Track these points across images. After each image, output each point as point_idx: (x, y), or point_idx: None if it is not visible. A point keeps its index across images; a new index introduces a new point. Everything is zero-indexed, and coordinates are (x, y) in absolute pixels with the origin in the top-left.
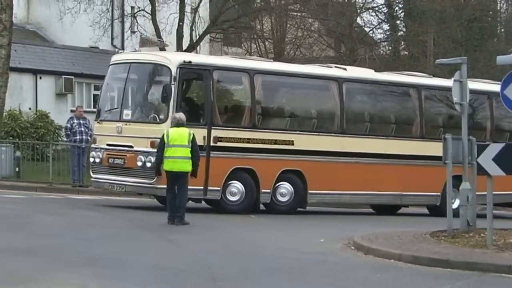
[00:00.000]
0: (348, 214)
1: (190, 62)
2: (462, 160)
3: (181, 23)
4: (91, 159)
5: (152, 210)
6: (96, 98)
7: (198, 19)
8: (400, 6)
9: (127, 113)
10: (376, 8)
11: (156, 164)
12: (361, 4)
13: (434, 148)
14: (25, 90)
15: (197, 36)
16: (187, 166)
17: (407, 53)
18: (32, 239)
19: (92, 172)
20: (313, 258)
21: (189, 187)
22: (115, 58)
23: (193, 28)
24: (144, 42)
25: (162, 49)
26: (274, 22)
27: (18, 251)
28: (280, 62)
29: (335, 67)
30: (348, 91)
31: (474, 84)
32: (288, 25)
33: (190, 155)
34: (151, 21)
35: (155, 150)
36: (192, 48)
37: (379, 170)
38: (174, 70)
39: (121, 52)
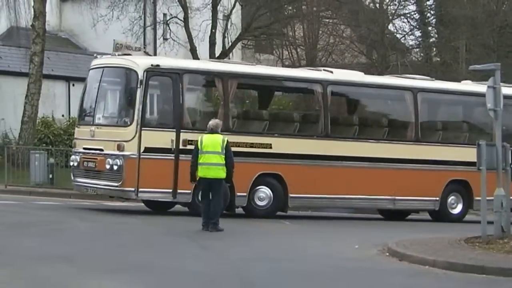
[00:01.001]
0: (363, 220)
1: (158, 65)
2: (496, 166)
3: (213, 30)
4: (71, 163)
5: (186, 216)
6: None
7: (231, 26)
8: (432, 12)
9: (99, 117)
10: (408, 15)
11: (191, 170)
12: (393, 11)
13: (431, 152)
14: (58, 97)
15: (230, 43)
16: (221, 173)
17: (439, 59)
18: (67, 246)
19: (72, 176)
20: (348, 265)
21: (157, 189)
22: (93, 63)
23: (226, 35)
24: (118, 48)
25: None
26: (306, 28)
27: (54, 258)
28: (260, 66)
29: (323, 70)
30: (333, 94)
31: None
32: (320, 32)
33: (224, 162)
34: (183, 28)
35: (121, 153)
36: (224, 55)
37: (368, 174)
38: (140, 74)
39: (99, 57)
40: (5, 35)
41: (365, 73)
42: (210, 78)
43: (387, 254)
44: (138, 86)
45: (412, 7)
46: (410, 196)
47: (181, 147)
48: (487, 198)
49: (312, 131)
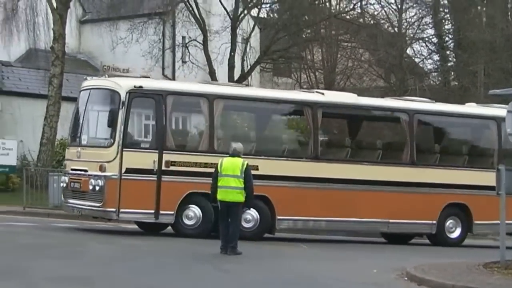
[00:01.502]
0: (377, 244)
1: (141, 87)
2: None
3: (232, 53)
4: (61, 184)
5: (204, 239)
6: (147, 128)
7: (249, 49)
8: (450, 36)
9: (84, 138)
10: (426, 39)
11: (211, 192)
12: (411, 35)
13: (427, 175)
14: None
15: (248, 66)
16: (240, 197)
17: (457, 83)
18: (84, 268)
19: (63, 196)
20: None
21: (139, 210)
22: (82, 84)
23: (244, 58)
24: (105, 69)
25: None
26: (325, 52)
27: (71, 280)
28: (248, 87)
29: (316, 92)
30: (324, 116)
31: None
32: (339, 55)
33: (243, 186)
34: (202, 51)
35: (103, 173)
36: (243, 78)
37: (359, 196)
38: (123, 95)
39: (89, 79)
40: (24, 57)
41: (383, 97)
42: (194, 100)
43: (406, 278)
44: (120, 107)
45: (431, 31)
46: (404, 219)
47: (163, 168)
48: (489, 222)
49: (301, 153)
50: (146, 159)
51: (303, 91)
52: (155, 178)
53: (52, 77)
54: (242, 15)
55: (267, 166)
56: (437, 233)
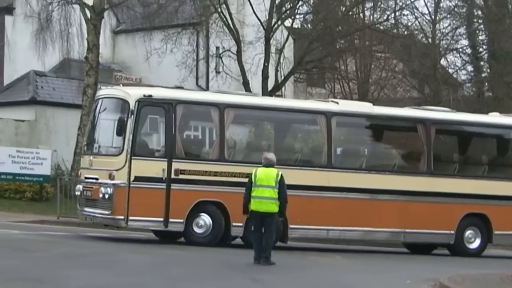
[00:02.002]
0: (410, 254)
1: (150, 96)
2: None
3: (266, 64)
4: (76, 192)
5: (237, 249)
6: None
7: (283, 59)
8: (484, 47)
9: (96, 147)
10: (460, 50)
11: (244, 203)
12: (445, 46)
13: (445, 185)
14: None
15: (282, 77)
16: (274, 207)
17: (491, 94)
18: (117, 278)
19: (78, 205)
20: None
21: (148, 218)
22: (97, 93)
23: (278, 68)
24: (118, 79)
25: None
26: (359, 62)
27: None
28: (260, 96)
29: (331, 101)
30: (338, 125)
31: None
32: (373, 66)
33: (277, 196)
34: (236, 62)
35: (112, 181)
36: (277, 88)
37: (374, 205)
38: (132, 104)
39: (104, 88)
40: (58, 67)
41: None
42: (205, 109)
43: None
44: (129, 116)
45: (465, 42)
46: (420, 229)
47: (173, 176)
48: (510, 232)
49: (314, 162)
50: (155, 168)
51: (318, 100)
52: (164, 186)
53: (86, 87)
54: (276, 25)
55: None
56: (456, 243)
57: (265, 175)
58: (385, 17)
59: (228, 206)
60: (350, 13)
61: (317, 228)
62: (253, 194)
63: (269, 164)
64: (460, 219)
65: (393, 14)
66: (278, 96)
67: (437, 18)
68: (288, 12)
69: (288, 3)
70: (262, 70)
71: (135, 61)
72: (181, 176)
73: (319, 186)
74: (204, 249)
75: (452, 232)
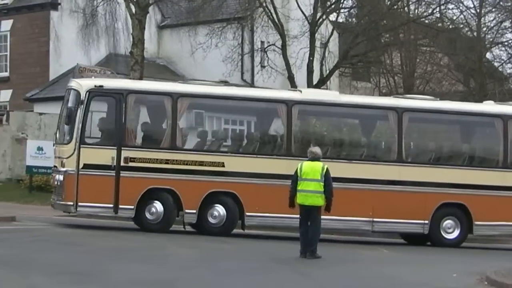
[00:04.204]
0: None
1: (101, 86)
2: None
3: (311, 58)
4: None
5: (283, 241)
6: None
7: (328, 53)
8: None
9: (57, 136)
10: (506, 43)
11: (290, 196)
12: (491, 39)
13: (417, 174)
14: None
15: (327, 71)
16: (319, 201)
17: None
18: (167, 272)
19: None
20: None
21: (98, 204)
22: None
23: (323, 62)
24: (81, 71)
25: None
26: (404, 56)
27: (154, 283)
28: (218, 86)
29: (298, 90)
30: (301, 114)
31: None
32: (418, 60)
33: (322, 190)
34: (281, 56)
35: (63, 169)
36: (322, 82)
37: (339, 194)
38: (83, 94)
39: (71, 81)
40: (103, 62)
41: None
42: (158, 98)
43: (486, 283)
44: (79, 105)
45: (510, 36)
46: (391, 219)
47: (122, 164)
48: (491, 223)
49: (273, 151)
50: (104, 155)
51: (272, 90)
52: (114, 174)
53: None
54: (321, 19)
55: (234, 163)
56: (431, 233)
57: (311, 169)
58: (430, 11)
59: (180, 193)
60: (395, 7)
61: (275, 216)
62: (298, 187)
63: (314, 158)
64: (434, 208)
65: (438, 8)
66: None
67: (482, 11)
68: (332, 6)
69: None
70: (307, 64)
71: (180, 55)
72: (131, 164)
73: (280, 174)
74: (249, 243)
75: (426, 222)
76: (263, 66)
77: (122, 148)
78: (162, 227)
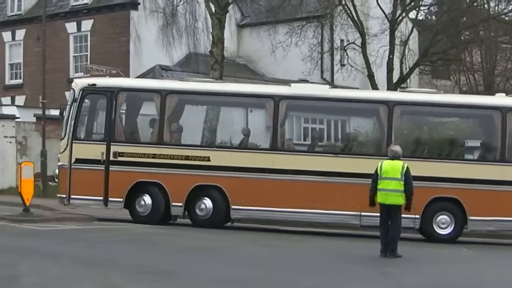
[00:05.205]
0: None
1: (94, 84)
2: None
3: (391, 56)
4: None
5: (360, 241)
6: (306, 130)
7: (408, 51)
8: None
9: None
10: None
11: (370, 195)
12: None
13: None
14: (236, 123)
15: (407, 69)
16: (400, 199)
17: None
18: (244, 271)
19: None
20: None
21: (89, 197)
22: None
23: (403, 60)
24: (88, 70)
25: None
26: (484, 54)
27: (235, 282)
28: (206, 82)
29: (289, 85)
30: (289, 109)
31: None
32: (498, 57)
33: (403, 188)
34: (361, 54)
35: (59, 163)
36: (402, 81)
37: (326, 188)
38: (77, 93)
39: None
40: (183, 61)
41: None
42: (148, 95)
43: None
44: (73, 103)
45: None
46: (379, 213)
47: (112, 158)
48: (486, 218)
49: (258, 145)
50: (94, 150)
51: (262, 85)
52: (103, 168)
53: None
54: (400, 17)
55: (219, 157)
56: (424, 228)
57: (391, 168)
58: (510, 8)
59: (166, 186)
60: (475, 4)
61: (261, 210)
62: (379, 186)
63: (394, 157)
64: (426, 203)
65: None
66: (403, 88)
67: None
68: (412, 4)
69: None
70: (387, 63)
71: (260, 54)
72: (120, 158)
73: (265, 168)
74: (324, 242)
75: (417, 216)
76: (342, 65)
77: (112, 143)
78: (150, 219)
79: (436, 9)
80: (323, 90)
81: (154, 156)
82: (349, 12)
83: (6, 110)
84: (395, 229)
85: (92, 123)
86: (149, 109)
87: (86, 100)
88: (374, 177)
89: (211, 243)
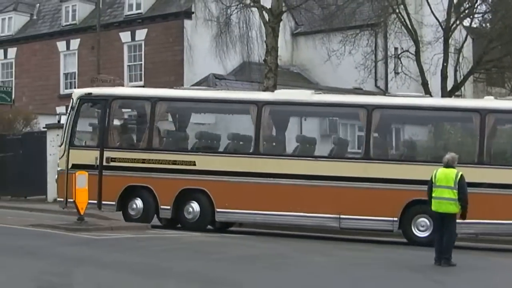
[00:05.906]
0: None
1: (90, 93)
2: None
3: (445, 64)
4: None
5: (415, 250)
6: (360, 139)
7: (462, 59)
8: None
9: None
10: None
11: (429, 203)
12: None
13: (385, 170)
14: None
15: (461, 77)
16: (453, 208)
17: None
18: (301, 280)
19: None
20: None
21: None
22: None
23: (457, 68)
24: (94, 80)
25: (119, 84)
26: None
27: None
28: (196, 90)
29: (276, 92)
30: (272, 114)
31: None
32: None
33: (456, 197)
34: (415, 62)
35: (57, 169)
36: (456, 89)
37: (307, 191)
38: (74, 101)
39: None
40: (237, 70)
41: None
42: (139, 103)
43: None
44: (71, 111)
45: None
46: (359, 215)
47: (104, 163)
48: (471, 221)
49: (243, 150)
50: (89, 156)
51: (248, 92)
52: (97, 173)
53: (265, 90)
54: (454, 25)
55: (204, 161)
56: (402, 230)
57: (445, 176)
58: None
59: (155, 190)
60: None
61: (246, 213)
62: (433, 194)
63: (448, 165)
64: (404, 205)
65: None
66: (458, 96)
67: None
68: (466, 11)
69: (467, 2)
70: (441, 70)
71: (314, 63)
72: (112, 163)
73: (249, 172)
74: (382, 250)
75: (395, 219)
76: (396, 73)
77: (105, 149)
78: (142, 221)
79: (490, 17)
80: (306, 95)
81: (143, 161)
82: (403, 20)
83: (63, 120)
84: (449, 237)
85: (87, 130)
86: (139, 116)
87: (82, 108)
88: (429, 186)
89: (261, 252)
